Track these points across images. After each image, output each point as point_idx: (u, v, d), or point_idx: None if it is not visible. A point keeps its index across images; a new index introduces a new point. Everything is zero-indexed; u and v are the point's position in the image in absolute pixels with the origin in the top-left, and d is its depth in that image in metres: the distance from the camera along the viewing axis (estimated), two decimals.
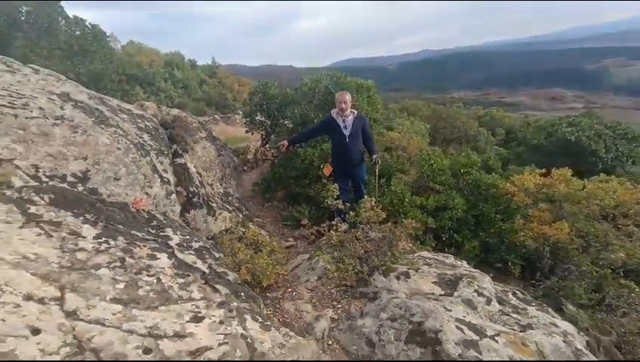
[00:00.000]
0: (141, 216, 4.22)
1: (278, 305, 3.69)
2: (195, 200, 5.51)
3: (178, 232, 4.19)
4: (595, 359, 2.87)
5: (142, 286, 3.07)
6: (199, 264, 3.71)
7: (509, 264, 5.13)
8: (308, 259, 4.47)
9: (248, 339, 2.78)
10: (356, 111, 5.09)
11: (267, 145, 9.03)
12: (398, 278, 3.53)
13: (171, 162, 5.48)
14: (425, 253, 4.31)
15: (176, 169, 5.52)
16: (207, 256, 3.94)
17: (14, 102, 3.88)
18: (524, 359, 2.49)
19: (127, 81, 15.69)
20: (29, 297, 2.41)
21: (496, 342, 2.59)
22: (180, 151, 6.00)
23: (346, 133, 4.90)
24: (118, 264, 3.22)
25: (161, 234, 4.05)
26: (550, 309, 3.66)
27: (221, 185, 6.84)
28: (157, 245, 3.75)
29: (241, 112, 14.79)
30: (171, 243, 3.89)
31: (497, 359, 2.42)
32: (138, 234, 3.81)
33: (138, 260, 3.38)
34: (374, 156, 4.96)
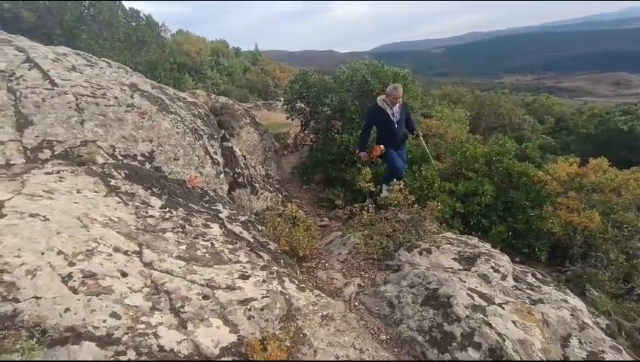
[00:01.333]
0: (196, 191, 4.86)
1: (312, 273, 4.19)
2: (240, 180, 6.11)
3: (227, 207, 4.78)
4: (601, 333, 3.10)
5: (199, 249, 3.68)
6: (245, 234, 4.28)
7: (536, 250, 5.27)
8: (340, 236, 4.92)
9: (286, 296, 3.29)
10: (401, 100, 5.45)
11: (306, 131, 9.50)
12: (420, 254, 3.89)
13: (220, 145, 6.09)
14: (449, 234, 4.61)
15: (224, 152, 6.13)
16: (251, 228, 4.50)
17: (95, 92, 4.60)
18: (528, 324, 2.79)
19: (178, 69, 16.74)
20: (117, 249, 3.05)
21: (503, 309, 2.91)
22: (228, 136, 6.60)
23: (394, 120, 5.34)
24: (180, 230, 3.85)
25: (213, 207, 4.66)
26: (568, 290, 3.86)
27: (263, 167, 7.42)
28: (210, 216, 4.36)
29: (282, 99, 15.35)
30: (221, 215, 4.49)
31: (501, 322, 2.75)
32: (194, 206, 4.43)
33: (195, 228, 4.00)
34: (415, 131, 5.65)
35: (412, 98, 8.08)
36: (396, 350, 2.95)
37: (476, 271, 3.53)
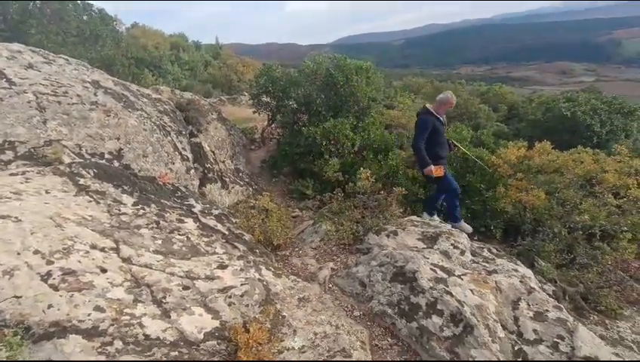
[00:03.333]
0: (167, 188, 4.87)
1: (287, 261, 4.37)
2: (210, 175, 6.15)
3: (199, 201, 4.85)
4: (546, 296, 3.51)
5: (175, 243, 3.76)
6: (220, 227, 4.38)
7: (492, 228, 5.76)
8: (312, 225, 5.13)
9: (264, 282, 3.46)
10: None
11: (273, 125, 9.58)
12: (388, 236, 4.18)
13: (188, 141, 6.09)
14: (414, 217, 4.94)
15: (192, 148, 6.14)
16: (225, 221, 4.60)
17: (56, 90, 4.49)
18: (484, 291, 3.14)
19: (136, 64, 16.16)
20: (93, 246, 3.08)
21: (462, 279, 3.24)
22: (195, 132, 6.60)
23: (445, 127, 5.12)
24: (155, 225, 3.89)
25: (186, 203, 4.71)
26: (518, 261, 4.30)
27: (232, 162, 7.47)
28: (183, 211, 4.42)
29: (246, 93, 15.26)
30: (195, 210, 4.56)
31: (460, 291, 3.07)
32: (167, 202, 4.47)
33: (170, 223, 4.05)
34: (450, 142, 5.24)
35: (375, 90, 8.38)
36: (369, 323, 3.21)
37: (438, 248, 3.86)
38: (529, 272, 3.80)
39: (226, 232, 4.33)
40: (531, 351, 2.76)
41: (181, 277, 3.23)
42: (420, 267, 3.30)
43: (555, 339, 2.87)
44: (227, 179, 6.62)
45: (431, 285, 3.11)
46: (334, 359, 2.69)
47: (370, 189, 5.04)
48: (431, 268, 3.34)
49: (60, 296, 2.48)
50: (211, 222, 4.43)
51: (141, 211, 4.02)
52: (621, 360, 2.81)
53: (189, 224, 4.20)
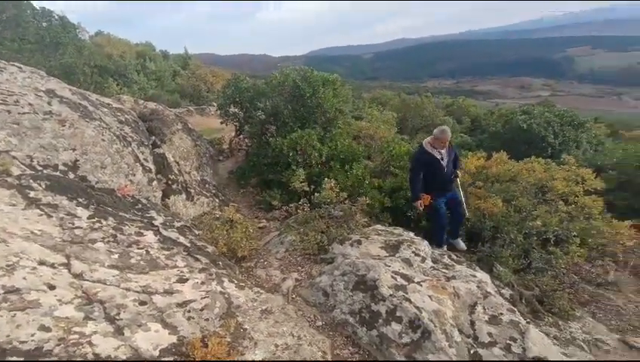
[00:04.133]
0: (127, 200, 4.72)
1: (251, 272, 4.32)
2: (174, 186, 6.02)
3: (161, 214, 4.72)
4: (502, 299, 3.65)
5: (133, 257, 3.64)
6: (182, 239, 4.28)
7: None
8: (278, 235, 5.11)
9: (225, 295, 3.41)
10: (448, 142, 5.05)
11: (241, 136, 9.52)
12: (351, 245, 4.22)
13: (151, 152, 5.94)
14: (378, 227, 5.01)
15: (155, 159, 5.99)
16: (188, 233, 4.51)
17: (6, 99, 4.28)
18: (442, 297, 3.23)
19: (99, 73, 15.63)
20: (41, 262, 2.94)
21: (421, 286, 3.32)
22: (159, 143, 6.45)
23: (444, 164, 4.92)
24: (111, 239, 3.76)
25: (146, 215, 4.57)
26: (477, 267, 4.46)
27: (198, 173, 7.34)
28: (143, 224, 4.29)
29: (215, 104, 15.11)
30: (156, 222, 4.44)
31: (419, 297, 3.14)
32: (126, 215, 4.33)
33: (128, 236, 3.93)
34: (454, 172, 5.10)
35: (342, 101, 8.53)
36: (331, 333, 3.21)
37: (400, 256, 3.95)
38: (486, 277, 3.94)
39: (189, 245, 4.23)
40: (486, 354, 2.86)
41: (138, 292, 3.12)
42: (381, 275, 3.35)
43: (508, 341, 2.99)
44: (192, 191, 6.50)
45: (391, 292, 3.17)
46: None
47: (336, 199, 5.09)
48: (392, 276, 3.40)
49: (0, 315, 2.34)
50: (173, 235, 4.32)
51: (97, 225, 3.87)
52: (568, 359, 2.96)
53: (149, 237, 4.08)
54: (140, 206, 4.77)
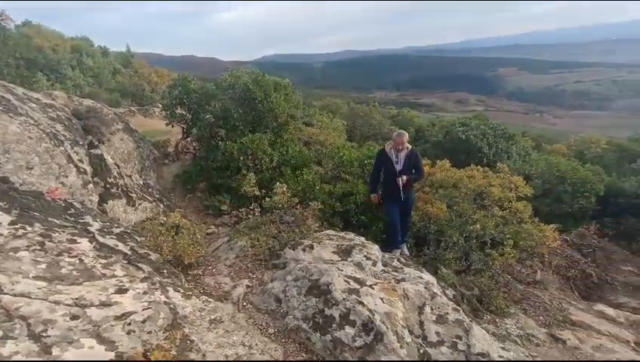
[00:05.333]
0: (57, 204, 4.29)
1: (199, 280, 4.11)
2: (113, 190, 5.58)
3: (98, 219, 4.35)
4: (447, 300, 3.82)
5: (64, 267, 3.30)
6: (121, 246, 3.97)
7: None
8: (227, 241, 4.93)
9: (170, 305, 3.20)
10: (409, 147, 5.22)
11: (188, 138, 9.11)
12: (304, 250, 4.18)
13: (87, 153, 5.47)
14: (330, 231, 5.04)
15: (92, 160, 5.52)
16: (128, 239, 4.19)
17: None
18: (392, 299, 3.30)
19: (27, 66, 14.13)
20: None
21: (373, 289, 3.37)
22: (96, 143, 5.96)
23: (398, 168, 5.09)
24: (38, 247, 3.38)
25: (80, 221, 4.18)
26: (424, 269, 4.63)
27: (140, 176, 6.89)
28: (76, 231, 3.91)
29: (160, 105, 14.38)
30: (91, 228, 4.07)
31: (372, 300, 3.18)
32: (56, 221, 3.92)
33: (58, 244, 3.56)
34: (410, 176, 5.14)
35: (294, 107, 8.52)
36: (283, 340, 3.14)
37: (352, 260, 3.98)
38: (432, 279, 4.10)
39: (129, 252, 3.93)
40: (434, 353, 2.96)
41: (69, 305, 2.83)
42: (334, 279, 3.35)
43: (454, 340, 3.12)
44: (134, 195, 6.07)
45: (344, 296, 3.18)
46: None
47: (287, 204, 5.04)
48: (345, 280, 3.41)
49: None
50: (111, 242, 3.99)
51: (21, 231, 3.46)
52: (506, 355, 3.15)
53: (83, 244, 3.73)
54: (72, 211, 4.35)
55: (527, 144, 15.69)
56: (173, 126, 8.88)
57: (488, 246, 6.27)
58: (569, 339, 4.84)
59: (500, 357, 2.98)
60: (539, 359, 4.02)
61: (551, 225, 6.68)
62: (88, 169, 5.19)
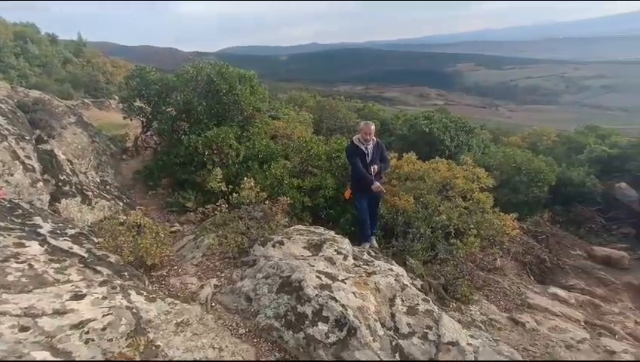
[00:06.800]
0: (1, 205, 3.92)
1: (164, 281, 3.92)
2: (66, 188, 5.21)
3: (49, 220, 4.03)
4: (416, 290, 3.88)
5: (11, 273, 3.03)
6: (76, 249, 3.70)
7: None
8: (193, 239, 4.74)
9: (133, 310, 3.01)
10: (375, 138, 5.23)
11: (149, 133, 8.68)
12: (274, 246, 4.10)
13: (35, 148, 5.06)
14: (300, 226, 4.98)
15: (41, 156, 5.12)
16: (84, 241, 3.92)
17: None
18: (364, 293, 3.30)
19: None
20: None
21: (345, 283, 3.36)
22: (45, 138, 5.53)
23: (368, 159, 5.10)
24: None
25: (29, 222, 3.86)
26: (393, 261, 4.69)
27: (97, 173, 6.48)
28: (24, 233, 3.61)
29: (116, 97, 13.59)
30: (42, 231, 3.77)
31: (344, 295, 3.17)
32: (0, 223, 3.58)
33: (3, 249, 3.26)
34: (379, 166, 5.15)
35: (260, 100, 8.33)
36: (255, 340, 3.06)
37: (323, 255, 3.95)
38: (402, 271, 4.16)
39: (85, 255, 3.67)
40: (406, 344, 2.99)
41: (17, 316, 2.59)
42: (306, 275, 3.30)
43: (425, 330, 3.17)
44: (90, 193, 5.70)
45: (317, 292, 3.14)
46: None
47: (255, 199, 4.92)
48: (316, 276, 3.38)
49: None
50: (65, 245, 3.71)
51: None
52: (474, 343, 3.24)
53: (33, 248, 3.44)
54: (20, 211, 4.00)
55: (485, 137, 16.36)
56: (131, 119, 8.43)
57: (453, 236, 6.47)
58: (528, 322, 5.11)
59: (469, 344, 3.06)
60: (502, 343, 4.20)
61: (511, 214, 6.99)
62: (37, 166, 4.80)
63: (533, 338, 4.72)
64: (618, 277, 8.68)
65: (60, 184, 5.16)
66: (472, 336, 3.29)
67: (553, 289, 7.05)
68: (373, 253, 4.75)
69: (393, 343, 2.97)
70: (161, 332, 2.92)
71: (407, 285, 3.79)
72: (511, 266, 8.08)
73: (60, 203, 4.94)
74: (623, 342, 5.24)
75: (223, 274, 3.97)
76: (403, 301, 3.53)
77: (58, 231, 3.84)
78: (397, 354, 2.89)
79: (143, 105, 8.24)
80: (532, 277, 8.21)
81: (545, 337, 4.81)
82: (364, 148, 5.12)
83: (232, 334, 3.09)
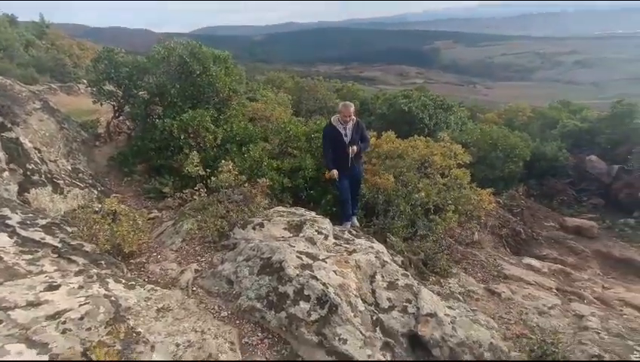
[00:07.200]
0: None
1: (143, 269, 3.87)
2: (35, 178, 5.00)
3: (18, 211, 3.88)
4: (396, 266, 3.97)
5: None
6: (49, 239, 3.59)
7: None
8: (172, 225, 4.67)
9: (112, 298, 2.97)
10: (355, 118, 5.19)
11: (121, 117, 8.36)
12: (254, 228, 4.09)
13: None
14: (280, 208, 4.97)
15: (5, 144, 4.88)
16: (57, 231, 3.80)
17: None
18: (345, 270, 3.35)
19: None
20: None
21: (326, 262, 3.39)
22: (9, 125, 5.26)
23: (347, 140, 5.08)
24: None
25: None
26: (374, 239, 4.76)
27: (68, 161, 6.24)
28: None
29: (85, 81, 13.00)
30: (10, 222, 3.63)
31: (325, 274, 3.20)
32: None
33: None
34: (359, 145, 5.17)
35: (236, 82, 8.13)
36: (237, 322, 3.08)
37: (303, 235, 3.97)
38: (382, 247, 4.23)
39: (59, 245, 3.57)
40: (386, 318, 3.07)
41: None
42: (287, 256, 3.32)
43: (405, 304, 3.26)
44: (61, 182, 5.49)
45: (297, 272, 3.16)
46: None
47: (235, 182, 4.85)
48: (297, 256, 3.39)
49: None
50: (37, 235, 3.59)
51: None
52: (451, 313, 3.35)
53: (2, 240, 3.33)
54: None
55: (463, 114, 16.55)
56: (101, 104, 8.08)
57: (432, 213, 6.60)
58: (503, 292, 5.32)
59: (446, 315, 3.17)
60: (479, 312, 4.36)
61: (487, 189, 7.17)
62: (1, 155, 4.58)
63: (508, 307, 4.93)
64: (588, 246, 9.13)
65: (29, 173, 4.95)
66: (449, 307, 3.40)
67: (527, 260, 7.35)
68: (354, 232, 4.80)
69: (374, 317, 3.05)
70: (142, 319, 2.90)
71: (387, 261, 3.87)
72: (488, 239, 8.36)
73: (29, 193, 4.75)
74: (591, 306, 5.55)
75: (203, 259, 3.94)
76: (383, 277, 3.61)
77: (28, 222, 3.71)
78: (377, 328, 2.97)
79: (113, 88, 7.91)
80: (508, 249, 8.54)
81: (519, 305, 5.03)
82: (341, 129, 5.10)
83: (214, 317, 3.09)
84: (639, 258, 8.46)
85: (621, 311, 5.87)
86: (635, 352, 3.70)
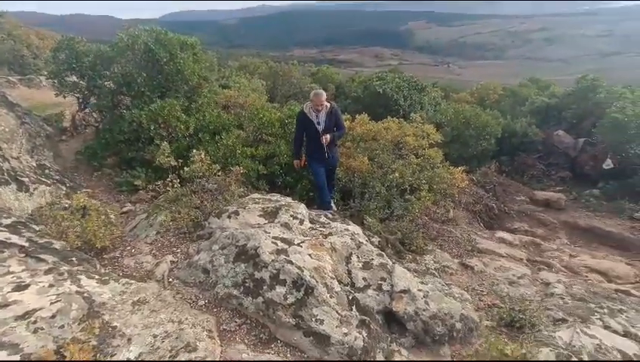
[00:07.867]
0: None
1: (117, 263, 3.81)
2: None
3: None
4: (372, 247, 4.05)
5: None
6: (15, 239, 3.48)
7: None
8: (146, 218, 4.59)
9: (85, 294, 2.93)
10: (328, 105, 5.06)
11: (87, 110, 8.05)
12: (229, 217, 4.08)
13: None
14: (256, 195, 4.95)
15: None
16: (23, 230, 3.68)
17: None
18: (320, 253, 3.40)
19: None
20: None
21: (301, 247, 3.44)
22: None
23: (320, 128, 4.96)
24: None
25: None
26: (350, 221, 4.82)
27: (32, 157, 6.00)
28: None
29: (46, 73, 12.39)
30: None
31: (300, 257, 3.25)
32: None
33: None
34: (333, 133, 5.08)
35: (206, 69, 7.94)
36: (215, 310, 3.10)
37: (279, 221, 3.99)
38: (358, 229, 4.30)
39: (26, 244, 3.47)
40: (362, 297, 3.16)
41: None
42: (262, 242, 3.34)
43: (379, 282, 3.36)
44: (26, 179, 5.28)
45: (273, 258, 3.19)
46: (177, 358, 2.50)
47: (208, 172, 4.80)
48: (272, 242, 3.42)
49: None
50: (1, 236, 3.47)
51: None
52: (424, 288, 3.48)
53: None
54: None
55: (437, 94, 16.72)
56: (65, 96, 7.74)
57: (407, 193, 6.74)
58: (476, 265, 5.53)
59: (419, 290, 3.28)
60: (453, 286, 4.53)
61: (459, 168, 7.35)
62: None
63: (480, 279, 5.15)
64: (556, 217, 9.56)
65: None
66: (422, 283, 3.52)
67: (500, 234, 7.65)
68: (330, 216, 4.85)
69: (350, 297, 3.13)
70: (117, 313, 2.88)
71: (362, 242, 3.95)
72: (463, 216, 8.61)
73: None
74: (559, 274, 5.86)
75: (179, 250, 3.92)
76: (359, 257, 3.69)
77: None
78: (354, 307, 3.05)
79: (76, 79, 7.57)
80: (482, 224, 8.83)
81: (490, 276, 5.26)
82: (314, 118, 5.01)
83: (191, 306, 3.10)
84: (603, 226, 8.92)
85: (586, 276, 6.22)
86: (595, 314, 3.95)
